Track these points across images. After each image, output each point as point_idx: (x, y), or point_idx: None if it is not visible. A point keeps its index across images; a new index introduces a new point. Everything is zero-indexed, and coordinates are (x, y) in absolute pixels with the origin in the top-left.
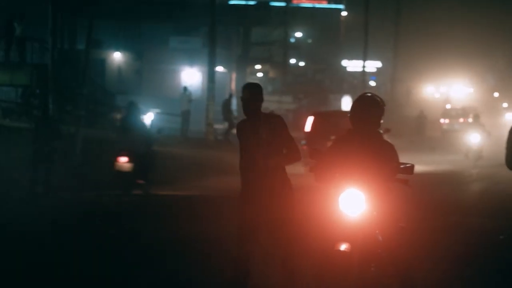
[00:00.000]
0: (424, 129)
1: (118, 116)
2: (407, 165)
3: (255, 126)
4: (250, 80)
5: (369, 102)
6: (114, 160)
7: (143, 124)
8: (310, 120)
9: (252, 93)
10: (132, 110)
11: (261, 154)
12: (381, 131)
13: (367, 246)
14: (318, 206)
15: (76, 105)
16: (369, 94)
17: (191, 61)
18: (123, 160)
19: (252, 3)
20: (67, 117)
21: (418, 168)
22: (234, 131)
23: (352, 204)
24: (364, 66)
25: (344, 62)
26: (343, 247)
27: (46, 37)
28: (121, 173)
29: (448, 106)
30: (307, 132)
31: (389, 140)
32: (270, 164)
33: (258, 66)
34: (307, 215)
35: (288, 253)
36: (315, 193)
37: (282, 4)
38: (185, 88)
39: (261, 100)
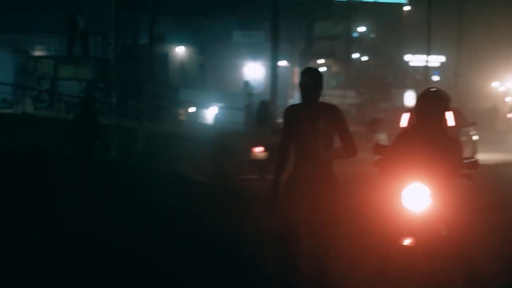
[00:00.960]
0: (496, 123)
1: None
2: (471, 160)
3: (313, 114)
4: None
5: (433, 97)
6: (250, 150)
7: (271, 118)
8: (405, 116)
9: (315, 78)
10: (264, 107)
11: (319, 145)
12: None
13: (431, 241)
14: (382, 201)
15: (139, 100)
16: (434, 89)
17: (254, 56)
18: (259, 149)
19: None
20: (130, 111)
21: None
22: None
23: (416, 199)
24: (427, 61)
25: (407, 57)
26: (407, 242)
27: (109, 32)
28: (257, 161)
29: (507, 99)
30: (403, 128)
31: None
32: (329, 157)
33: (321, 61)
34: (371, 210)
35: (324, 251)
36: (379, 188)
37: None
38: (246, 83)
39: (321, 87)
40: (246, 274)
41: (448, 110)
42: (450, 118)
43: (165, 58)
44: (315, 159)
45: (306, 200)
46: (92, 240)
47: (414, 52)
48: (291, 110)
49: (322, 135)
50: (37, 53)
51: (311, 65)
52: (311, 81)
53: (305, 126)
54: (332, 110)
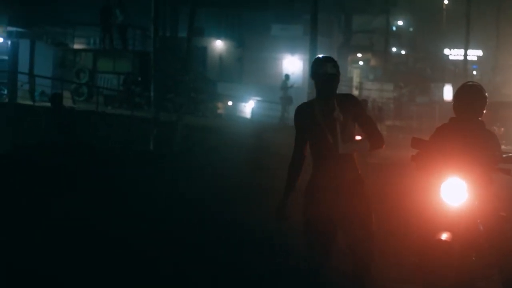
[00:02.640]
0: None
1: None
2: (510, 154)
3: (326, 108)
4: (351, 69)
5: (472, 91)
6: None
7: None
8: None
9: (337, 67)
10: None
11: (337, 139)
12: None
13: (468, 236)
14: (420, 195)
15: (177, 93)
16: (474, 83)
17: (293, 49)
18: None
19: None
20: (169, 104)
21: None
22: None
23: (454, 193)
24: (466, 55)
25: (446, 51)
26: (444, 236)
27: (148, 25)
28: None
29: None
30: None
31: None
32: (349, 149)
33: (359, 54)
34: (407, 204)
35: (366, 251)
36: (416, 182)
37: None
38: (286, 76)
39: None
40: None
41: (486, 103)
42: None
43: (203, 51)
44: (335, 156)
45: (333, 203)
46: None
47: (453, 46)
48: (302, 110)
49: (340, 128)
50: (76, 46)
51: (350, 59)
52: (334, 70)
53: (320, 123)
54: (346, 99)
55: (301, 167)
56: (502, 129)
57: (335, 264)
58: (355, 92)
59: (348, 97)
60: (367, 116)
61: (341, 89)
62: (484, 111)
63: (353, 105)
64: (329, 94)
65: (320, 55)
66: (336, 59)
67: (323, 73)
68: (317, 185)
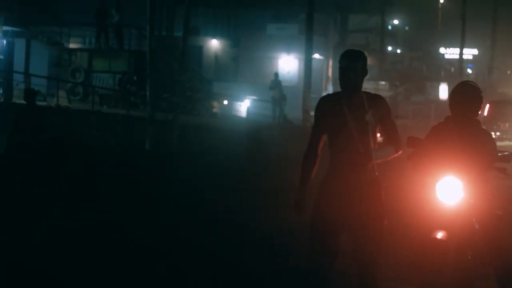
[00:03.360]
0: None
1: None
2: (505, 153)
3: (356, 106)
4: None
5: (468, 90)
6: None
7: None
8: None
9: (354, 60)
10: None
11: (367, 143)
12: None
13: (464, 234)
14: (415, 194)
15: (173, 92)
16: (469, 82)
17: (288, 48)
18: None
19: None
20: (164, 104)
21: None
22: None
23: (450, 192)
24: (461, 54)
25: (441, 50)
26: (440, 235)
27: (144, 24)
28: None
29: None
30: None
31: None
32: (378, 157)
33: None
34: (404, 203)
35: (372, 259)
36: (412, 181)
37: None
38: (276, 74)
39: (363, 73)
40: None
41: (482, 102)
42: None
43: (199, 50)
44: (360, 160)
45: (345, 204)
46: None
47: (449, 45)
48: (327, 101)
49: (371, 133)
50: (72, 45)
51: None
52: (350, 64)
53: (348, 120)
54: (377, 101)
55: (315, 163)
56: (507, 124)
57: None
58: None
59: (378, 98)
60: (392, 120)
61: (337, 88)
62: (480, 111)
63: (382, 107)
64: (346, 91)
65: (348, 49)
66: (331, 58)
67: (343, 67)
68: (331, 183)
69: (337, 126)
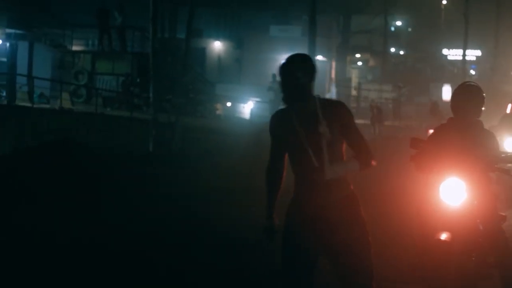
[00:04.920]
0: None
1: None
2: (509, 154)
3: (307, 117)
4: (350, 69)
5: (470, 91)
6: None
7: None
8: (509, 105)
9: (302, 68)
10: None
11: (323, 160)
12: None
13: (467, 235)
14: (419, 195)
15: (176, 94)
16: (471, 83)
17: (291, 50)
18: None
19: None
20: (167, 105)
21: None
22: None
23: (453, 193)
24: (464, 55)
25: (444, 51)
26: (444, 236)
27: (146, 26)
28: None
29: None
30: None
31: None
32: (337, 173)
33: (358, 55)
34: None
35: (365, 284)
36: (415, 182)
37: None
38: (274, 76)
39: (311, 79)
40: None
41: (484, 103)
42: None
43: (202, 52)
44: (321, 178)
45: (320, 230)
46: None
47: (452, 46)
48: (277, 118)
49: (326, 145)
50: (75, 47)
51: (349, 59)
52: (291, 70)
53: (300, 135)
54: (333, 108)
55: (281, 179)
56: None
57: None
58: (354, 93)
59: (335, 105)
60: (356, 129)
61: (340, 90)
62: (483, 108)
63: (341, 115)
64: (295, 100)
65: (291, 55)
66: (334, 59)
67: (282, 77)
68: (299, 205)
69: (291, 142)
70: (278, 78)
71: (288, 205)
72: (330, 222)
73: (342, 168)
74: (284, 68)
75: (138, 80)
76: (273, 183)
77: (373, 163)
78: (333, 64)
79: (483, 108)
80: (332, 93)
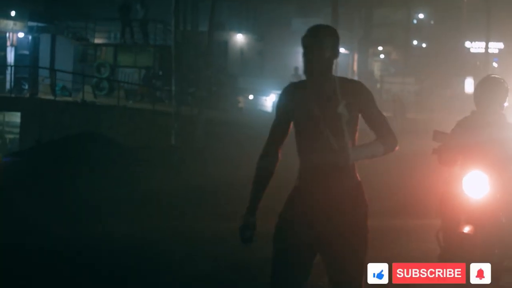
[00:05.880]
0: None
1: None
2: None
3: (325, 96)
4: (373, 62)
5: (494, 84)
6: None
7: None
8: None
9: (317, 37)
10: None
11: (342, 142)
12: None
13: (490, 229)
14: (442, 188)
15: (198, 87)
16: (494, 76)
17: None
18: None
19: None
20: (190, 98)
21: None
22: None
23: (476, 186)
24: (487, 48)
25: (467, 44)
26: (467, 229)
27: (169, 19)
28: None
29: None
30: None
31: None
32: (359, 157)
33: (380, 48)
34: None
35: (354, 280)
36: (438, 175)
37: None
38: (296, 69)
39: (336, 54)
40: None
41: (507, 96)
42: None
43: (224, 45)
44: (335, 160)
45: (321, 222)
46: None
47: (474, 38)
48: (291, 90)
49: (345, 127)
50: (97, 40)
51: (371, 52)
52: (315, 41)
53: (315, 114)
54: (354, 88)
55: (272, 171)
56: None
57: None
58: (376, 86)
59: (355, 84)
60: (378, 110)
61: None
62: (506, 104)
63: (361, 95)
64: (311, 74)
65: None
66: (356, 52)
67: (302, 47)
68: (301, 194)
69: (304, 121)
70: (300, 71)
71: (289, 194)
72: (334, 212)
73: (366, 151)
74: (311, 38)
75: (160, 73)
76: (265, 172)
77: (397, 147)
78: (355, 57)
79: (506, 104)
80: None
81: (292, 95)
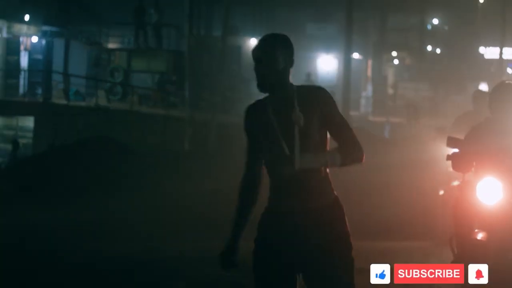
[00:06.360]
0: None
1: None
2: None
3: (283, 105)
4: (387, 68)
5: (509, 90)
6: None
7: None
8: None
9: (284, 50)
10: None
11: (296, 150)
12: None
13: (504, 235)
14: (455, 194)
15: (212, 92)
16: (509, 82)
17: (327, 48)
18: None
19: None
20: (203, 103)
21: None
22: None
23: (490, 193)
24: (501, 53)
25: (481, 49)
26: (480, 235)
27: (183, 24)
28: None
29: None
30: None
31: None
32: (312, 163)
33: (394, 53)
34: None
35: None
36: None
37: None
38: (308, 74)
39: (291, 62)
40: None
41: None
42: None
43: (238, 50)
44: (299, 173)
45: (297, 242)
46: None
47: (488, 44)
48: (252, 109)
49: (299, 135)
50: (111, 45)
51: (385, 58)
52: (265, 52)
53: (271, 125)
54: (311, 94)
55: (256, 191)
56: None
57: None
58: (390, 91)
59: (314, 90)
60: (341, 118)
61: (376, 88)
62: None
63: (321, 102)
64: (267, 88)
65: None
66: (370, 57)
67: (255, 59)
68: (274, 214)
69: (266, 139)
70: (312, 77)
71: (260, 215)
72: (309, 232)
73: (317, 158)
74: (262, 50)
75: (174, 78)
76: (247, 195)
77: (362, 159)
78: (369, 62)
79: None
80: (368, 92)
81: (254, 113)
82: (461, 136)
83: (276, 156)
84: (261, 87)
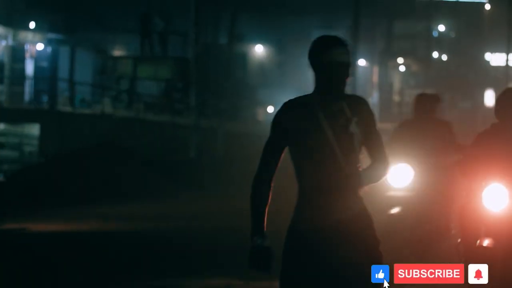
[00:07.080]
0: None
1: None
2: None
3: (335, 112)
4: (393, 74)
5: None
6: None
7: None
8: None
9: (348, 53)
10: None
11: (355, 164)
12: None
13: (510, 241)
14: (462, 201)
15: (218, 99)
16: None
17: None
18: None
19: None
20: (209, 111)
21: None
22: None
23: (496, 199)
24: (507, 60)
25: (487, 56)
26: (486, 242)
27: (189, 31)
28: None
29: None
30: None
31: None
32: (372, 181)
33: (400, 60)
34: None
35: None
36: (459, 187)
37: None
38: None
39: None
40: None
41: None
42: None
43: (244, 57)
44: (339, 183)
45: (329, 253)
46: None
47: (495, 50)
48: (295, 108)
49: (357, 147)
50: (117, 52)
51: (390, 64)
52: (349, 59)
53: (327, 133)
54: (361, 106)
55: (270, 192)
56: None
57: None
58: (396, 98)
59: (362, 102)
60: (379, 132)
61: (382, 95)
62: None
63: (368, 114)
64: (329, 94)
65: (327, 36)
66: (377, 64)
67: (331, 61)
68: (303, 231)
69: (311, 141)
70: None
71: (291, 221)
72: (339, 243)
73: (375, 175)
74: (349, 55)
75: (180, 85)
76: (264, 195)
77: (387, 173)
78: (375, 69)
79: None
80: (374, 98)
81: (297, 112)
82: (403, 146)
83: (329, 170)
84: (335, 91)
